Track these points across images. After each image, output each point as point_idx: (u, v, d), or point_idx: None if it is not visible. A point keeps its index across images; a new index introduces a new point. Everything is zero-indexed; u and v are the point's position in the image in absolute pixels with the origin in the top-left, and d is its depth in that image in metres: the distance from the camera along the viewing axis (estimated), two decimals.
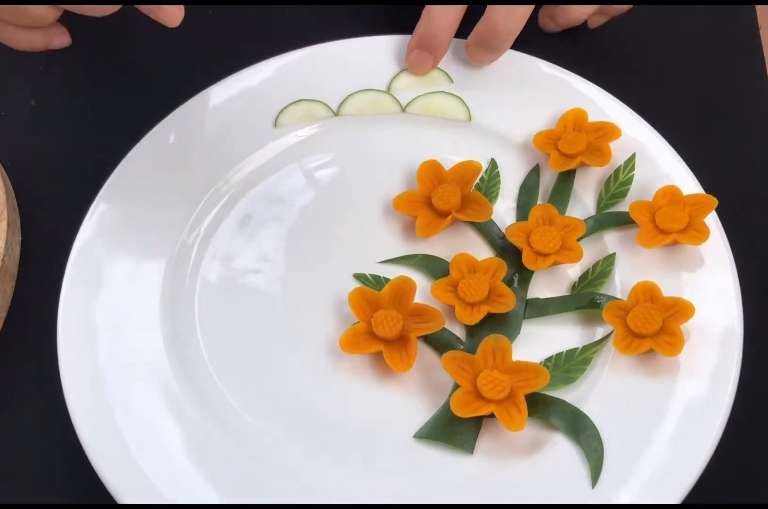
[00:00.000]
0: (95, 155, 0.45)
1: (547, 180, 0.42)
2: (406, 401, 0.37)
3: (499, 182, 0.42)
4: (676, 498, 0.34)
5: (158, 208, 0.41)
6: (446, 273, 0.40)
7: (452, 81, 0.44)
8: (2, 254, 0.40)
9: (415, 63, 0.44)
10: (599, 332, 0.38)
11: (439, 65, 0.45)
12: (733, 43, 0.48)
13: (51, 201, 0.44)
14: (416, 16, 0.44)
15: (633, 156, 0.41)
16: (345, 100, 0.44)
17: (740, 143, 0.45)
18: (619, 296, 0.39)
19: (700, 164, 0.41)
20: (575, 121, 0.42)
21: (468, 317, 0.38)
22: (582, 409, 0.36)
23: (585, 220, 0.40)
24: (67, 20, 0.50)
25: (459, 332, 0.39)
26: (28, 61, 0.48)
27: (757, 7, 0.49)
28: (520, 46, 0.45)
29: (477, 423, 0.36)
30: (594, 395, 0.37)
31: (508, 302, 0.38)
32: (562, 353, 0.38)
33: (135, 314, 0.39)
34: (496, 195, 0.42)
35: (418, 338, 0.38)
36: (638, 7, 0.47)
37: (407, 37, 0.45)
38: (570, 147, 0.41)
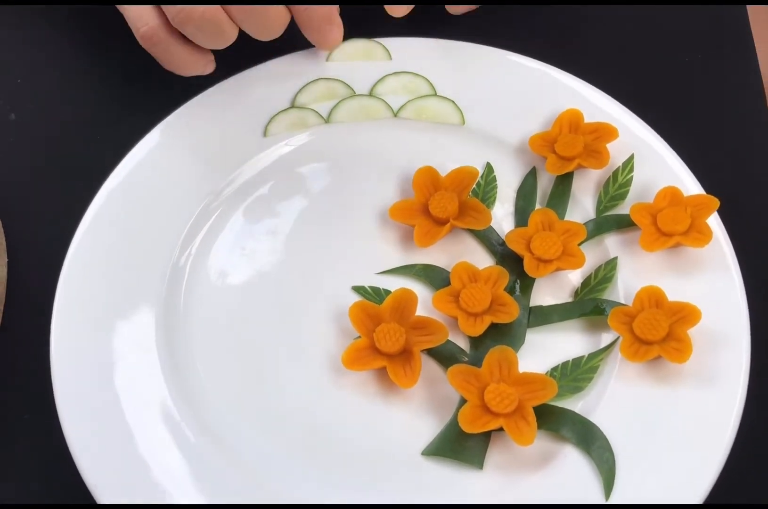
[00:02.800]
0: (80, 170, 0.43)
1: (544, 183, 0.42)
2: (412, 416, 0.36)
3: (496, 187, 0.42)
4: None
5: (148, 228, 0.40)
6: (446, 283, 0.39)
7: (435, 89, 0.43)
8: None
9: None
10: (604, 338, 0.38)
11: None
12: (726, 40, 0.47)
13: (36, 220, 0.43)
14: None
15: (631, 157, 0.41)
16: (335, 106, 0.43)
17: (737, 142, 0.44)
18: (622, 301, 0.38)
19: (699, 164, 0.41)
20: (571, 123, 0.42)
21: (471, 329, 0.37)
22: (591, 419, 0.35)
23: (585, 224, 0.40)
24: (52, 31, 0.49)
25: (462, 343, 0.38)
26: (3, 74, 0.47)
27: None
28: (512, 46, 0.44)
29: (485, 438, 0.35)
30: (602, 404, 0.36)
31: (511, 312, 0.37)
32: (568, 362, 0.37)
33: (129, 335, 0.38)
34: (494, 200, 0.41)
35: (421, 351, 0.37)
36: (635, 10, 0.47)
37: (395, 40, 0.44)
38: (567, 150, 0.41)
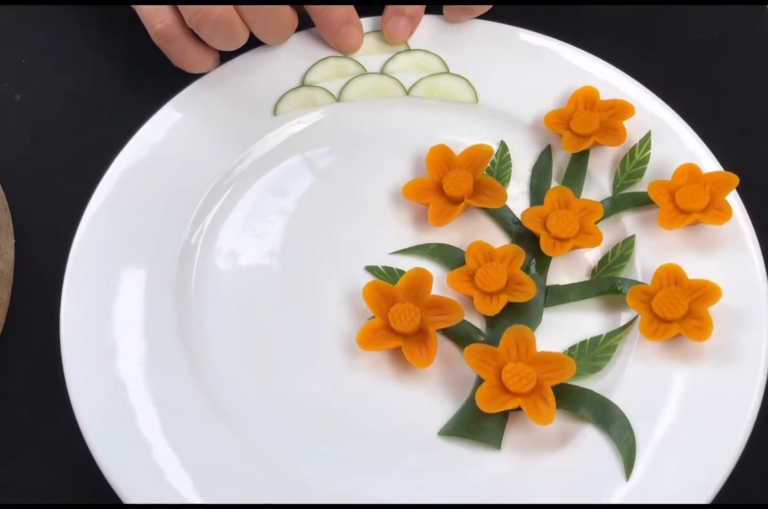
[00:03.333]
0: (87, 151, 0.43)
1: (559, 161, 0.41)
2: (428, 397, 0.36)
3: (510, 165, 0.41)
4: (713, 488, 0.33)
5: (157, 206, 0.39)
6: (461, 262, 0.38)
7: (447, 67, 0.43)
8: None
9: (392, 31, 0.42)
10: (622, 317, 0.37)
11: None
12: (742, 14, 0.47)
13: (44, 201, 0.42)
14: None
15: (648, 134, 0.40)
16: (346, 84, 0.42)
17: (755, 119, 0.43)
18: (640, 279, 0.38)
19: (716, 140, 0.40)
20: (586, 100, 0.41)
21: (487, 308, 0.36)
22: (610, 398, 0.35)
23: (601, 202, 0.39)
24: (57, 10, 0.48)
25: (478, 323, 0.38)
26: (7, 54, 0.46)
27: None
28: (525, 22, 0.43)
29: (503, 417, 0.35)
30: (621, 383, 0.35)
31: (528, 291, 0.37)
32: (585, 341, 0.37)
33: (140, 316, 0.37)
34: (509, 179, 0.41)
35: (437, 331, 0.36)
36: None
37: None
38: (583, 127, 0.40)
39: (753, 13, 0.47)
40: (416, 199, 0.40)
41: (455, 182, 0.39)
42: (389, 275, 0.39)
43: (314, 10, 0.41)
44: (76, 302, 0.37)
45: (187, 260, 0.39)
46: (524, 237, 0.39)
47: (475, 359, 0.35)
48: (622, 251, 0.38)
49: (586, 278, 0.38)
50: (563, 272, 0.39)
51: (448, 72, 0.43)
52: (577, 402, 0.35)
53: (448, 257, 0.39)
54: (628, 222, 0.39)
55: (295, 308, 0.38)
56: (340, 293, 0.38)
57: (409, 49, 0.43)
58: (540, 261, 0.38)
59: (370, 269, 0.39)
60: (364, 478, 0.35)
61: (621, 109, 0.40)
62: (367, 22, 0.43)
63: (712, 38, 0.46)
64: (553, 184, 0.41)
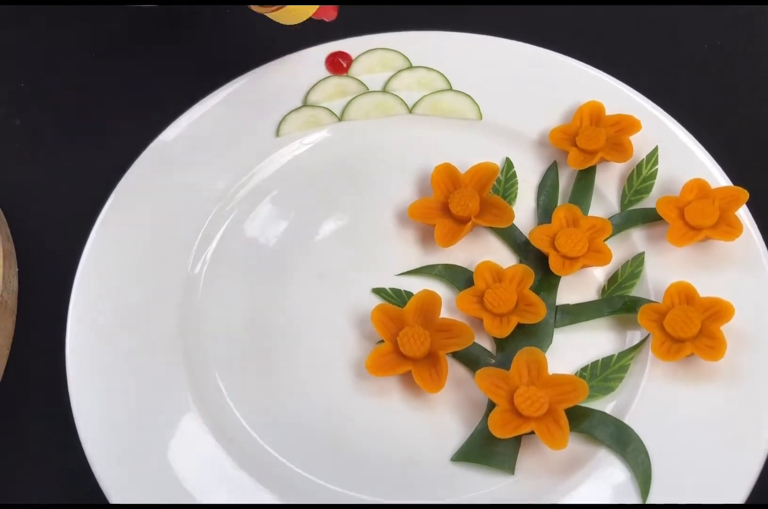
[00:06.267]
0: (89, 175, 0.42)
1: (566, 177, 0.41)
2: (439, 421, 0.36)
3: (516, 183, 0.41)
4: None
5: (161, 234, 0.39)
6: (470, 283, 0.38)
7: (450, 83, 0.42)
8: (0, 290, 0.37)
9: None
10: (634, 336, 0.37)
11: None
12: (745, 26, 0.46)
13: (45, 228, 0.42)
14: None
15: (655, 149, 0.40)
16: (349, 103, 0.42)
17: (763, 132, 0.43)
18: (651, 297, 0.37)
19: (724, 155, 0.40)
20: (592, 115, 0.41)
21: (498, 330, 0.36)
22: (624, 420, 0.35)
23: (610, 218, 0.39)
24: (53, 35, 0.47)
25: (488, 344, 0.37)
26: (6, 79, 0.46)
27: None
28: (528, 37, 0.43)
29: (516, 441, 0.35)
30: (635, 404, 0.35)
31: (538, 312, 0.36)
32: (597, 361, 0.36)
33: (146, 345, 0.37)
34: (515, 196, 0.40)
35: (447, 354, 0.36)
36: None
37: (407, 34, 0.43)
38: (589, 143, 0.39)
39: (756, 22, 0.46)
40: (422, 219, 0.39)
41: (461, 202, 0.39)
42: (397, 297, 0.38)
43: None
44: (81, 330, 0.37)
45: (192, 287, 0.39)
46: (532, 256, 0.39)
47: (487, 384, 0.34)
48: (632, 268, 0.38)
49: (596, 297, 0.38)
50: (573, 291, 0.38)
51: (450, 89, 0.42)
52: (591, 425, 0.34)
53: (456, 277, 0.39)
54: (638, 239, 0.39)
55: (303, 332, 0.38)
56: (347, 316, 0.38)
57: (411, 66, 0.43)
58: (549, 281, 0.38)
59: (378, 291, 0.38)
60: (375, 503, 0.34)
61: (627, 125, 0.40)
62: (367, 40, 0.43)
63: (717, 48, 0.46)
64: (560, 201, 0.40)
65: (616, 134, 0.40)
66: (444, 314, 0.37)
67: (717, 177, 0.39)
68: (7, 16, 0.48)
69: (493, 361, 0.37)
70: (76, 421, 0.35)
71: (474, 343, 0.36)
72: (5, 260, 0.39)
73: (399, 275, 0.39)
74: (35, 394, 0.38)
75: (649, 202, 0.39)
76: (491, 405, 0.35)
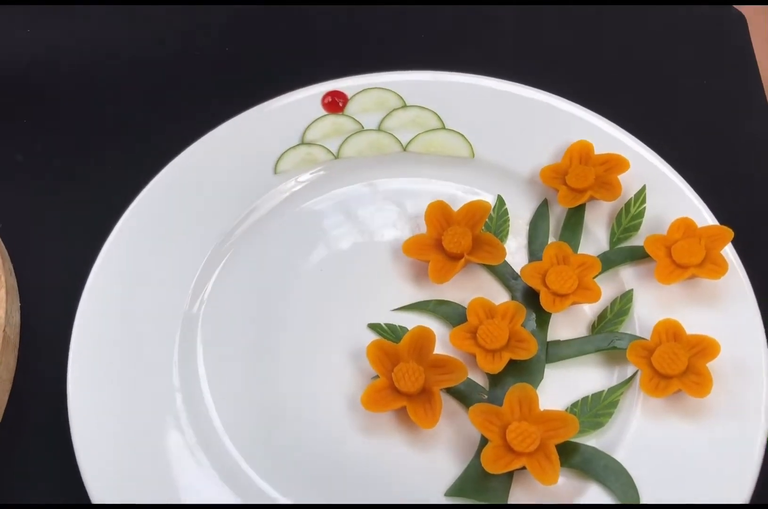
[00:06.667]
0: (90, 212, 0.43)
1: (556, 215, 0.42)
2: (434, 456, 0.36)
3: (508, 220, 0.42)
4: None
5: (158, 273, 0.40)
6: (462, 318, 0.39)
7: (443, 122, 0.43)
8: (3, 324, 0.38)
9: None
10: (622, 372, 0.38)
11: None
12: (729, 63, 0.48)
13: (47, 264, 0.42)
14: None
15: (643, 188, 0.41)
16: (344, 142, 0.43)
17: (749, 171, 0.44)
18: (638, 333, 0.38)
19: (711, 193, 0.41)
20: (581, 154, 0.42)
21: (490, 366, 0.37)
22: (613, 455, 0.35)
23: (599, 256, 0.40)
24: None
25: (480, 379, 0.38)
26: (9, 114, 0.47)
27: (750, 23, 0.49)
28: (519, 77, 0.44)
29: (508, 477, 0.35)
30: (624, 439, 0.36)
31: (530, 348, 0.37)
32: (587, 397, 0.37)
33: (147, 381, 0.38)
34: (507, 233, 0.41)
35: (440, 389, 0.37)
36: (634, 33, 0.46)
37: (402, 73, 0.44)
38: (578, 181, 0.41)
39: (742, 60, 0.48)
40: (416, 255, 0.40)
41: (454, 239, 0.40)
42: (392, 332, 0.39)
43: None
44: (83, 365, 0.38)
45: (191, 324, 0.39)
46: (524, 292, 0.40)
47: (480, 419, 0.35)
48: (621, 305, 0.39)
49: (587, 332, 0.39)
50: (563, 327, 0.39)
51: (444, 127, 0.43)
52: (581, 461, 0.35)
53: (449, 313, 0.39)
54: (626, 276, 0.40)
55: (299, 367, 0.39)
56: (342, 351, 0.39)
57: (405, 106, 0.44)
58: (540, 317, 0.39)
59: (373, 327, 0.39)
60: None
61: (615, 164, 0.41)
62: (362, 79, 0.44)
63: (704, 87, 0.47)
64: (551, 238, 0.41)
65: (605, 172, 0.41)
66: (438, 349, 0.37)
67: (704, 216, 0.40)
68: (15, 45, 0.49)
69: (486, 397, 0.37)
70: (77, 456, 0.36)
71: (467, 379, 0.37)
72: (8, 295, 0.39)
73: (394, 310, 0.40)
74: (36, 430, 0.39)
75: (637, 240, 0.40)
76: (484, 440, 0.36)
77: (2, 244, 0.42)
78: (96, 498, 0.35)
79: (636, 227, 0.40)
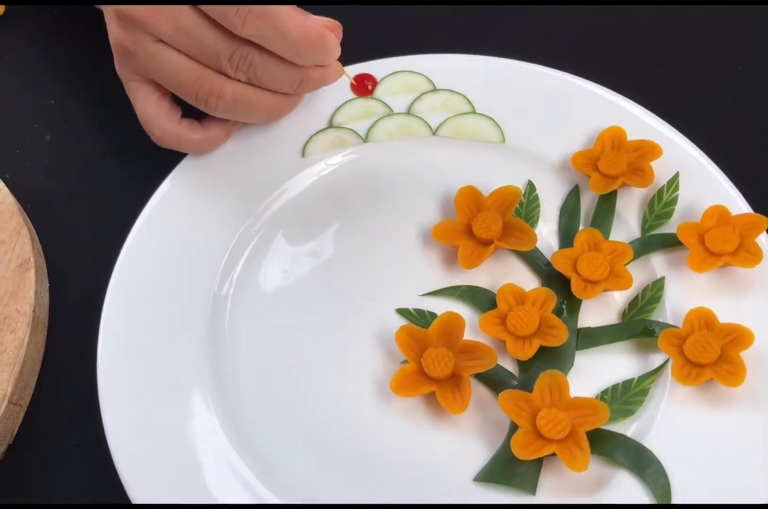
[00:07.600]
0: (119, 193, 0.43)
1: (587, 201, 0.41)
2: (462, 442, 0.36)
3: (538, 206, 0.41)
4: None
5: (188, 255, 0.40)
6: (492, 304, 0.39)
7: (474, 106, 0.43)
8: (33, 304, 0.38)
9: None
10: (653, 360, 0.37)
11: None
12: (764, 51, 0.47)
13: (77, 244, 0.42)
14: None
15: (676, 175, 0.40)
16: (373, 125, 0.43)
17: None
18: (670, 321, 0.38)
19: (745, 181, 0.40)
20: (614, 140, 0.41)
21: (520, 352, 0.37)
22: (644, 443, 0.35)
23: (630, 243, 0.39)
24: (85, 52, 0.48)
25: (510, 365, 0.38)
26: (37, 95, 0.47)
27: None
28: (550, 61, 0.44)
29: (538, 462, 0.35)
30: (655, 427, 0.36)
31: (560, 335, 0.37)
32: (618, 384, 0.37)
33: (175, 364, 0.37)
34: (537, 219, 0.41)
35: (470, 375, 0.37)
36: (674, 23, 0.46)
37: (431, 56, 0.44)
38: (610, 168, 0.40)
39: None
40: (446, 241, 0.40)
41: (484, 224, 0.39)
42: (420, 317, 0.39)
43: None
44: (112, 346, 0.38)
45: (219, 309, 0.39)
46: (554, 279, 0.39)
47: (510, 405, 0.35)
48: (653, 293, 0.39)
49: (617, 320, 0.39)
50: (594, 314, 0.39)
51: (474, 112, 0.43)
52: (611, 448, 0.35)
53: (479, 299, 0.39)
54: (658, 263, 0.39)
55: (328, 352, 0.38)
56: (371, 335, 0.39)
57: (435, 89, 0.43)
58: (571, 304, 0.39)
59: (401, 312, 0.39)
60: None
61: (648, 150, 0.41)
62: (392, 62, 0.44)
63: (737, 73, 0.46)
64: (582, 224, 0.41)
65: (637, 159, 0.41)
66: (467, 335, 0.37)
67: (738, 203, 0.39)
68: (38, 34, 0.49)
69: (516, 383, 0.37)
70: (106, 435, 0.36)
71: (497, 365, 0.37)
72: (37, 275, 0.39)
73: (423, 295, 0.40)
74: (66, 408, 0.39)
75: (669, 227, 0.40)
76: (513, 427, 0.36)
77: (31, 225, 0.42)
78: (128, 480, 0.35)
79: (668, 214, 0.40)
